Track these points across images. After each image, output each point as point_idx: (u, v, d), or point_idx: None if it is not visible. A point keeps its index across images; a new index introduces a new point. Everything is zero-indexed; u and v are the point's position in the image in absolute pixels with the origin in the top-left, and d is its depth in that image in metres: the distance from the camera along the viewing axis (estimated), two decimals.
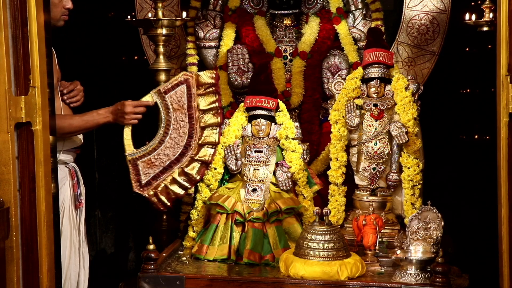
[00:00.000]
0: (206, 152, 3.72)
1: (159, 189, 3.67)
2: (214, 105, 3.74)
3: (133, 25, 4.26)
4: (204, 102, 3.71)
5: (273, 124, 3.83)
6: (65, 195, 3.58)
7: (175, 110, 3.67)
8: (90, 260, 3.82)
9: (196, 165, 3.71)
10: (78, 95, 3.72)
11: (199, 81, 3.71)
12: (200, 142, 3.72)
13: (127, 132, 3.68)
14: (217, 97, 3.74)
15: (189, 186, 3.73)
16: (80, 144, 3.73)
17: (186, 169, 3.70)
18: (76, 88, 3.71)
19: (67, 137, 3.55)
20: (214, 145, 3.74)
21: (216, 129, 3.73)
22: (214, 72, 3.81)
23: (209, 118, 3.72)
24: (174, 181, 3.69)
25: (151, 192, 3.67)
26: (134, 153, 3.66)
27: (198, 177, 3.73)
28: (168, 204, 3.70)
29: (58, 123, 3.46)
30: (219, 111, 3.75)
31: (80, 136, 3.72)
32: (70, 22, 3.57)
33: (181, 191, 3.71)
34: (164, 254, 3.58)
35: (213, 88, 3.73)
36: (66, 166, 3.61)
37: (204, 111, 3.71)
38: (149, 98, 3.70)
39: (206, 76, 3.74)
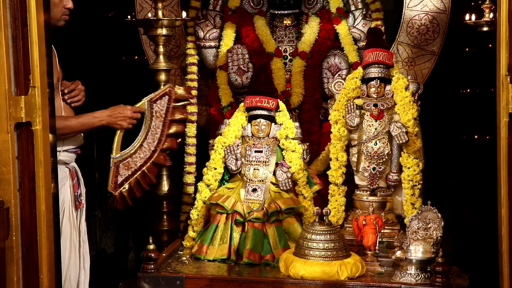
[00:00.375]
0: (162, 156, 3.91)
1: (125, 189, 3.80)
2: (182, 115, 3.97)
3: (133, 25, 4.26)
4: (177, 114, 3.93)
5: (273, 124, 3.83)
6: (65, 195, 3.57)
7: (157, 118, 3.85)
8: (90, 260, 3.82)
9: (153, 167, 3.87)
10: (79, 94, 3.73)
11: (178, 95, 3.94)
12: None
13: (119, 136, 3.79)
14: (185, 115, 4.03)
15: (146, 188, 3.90)
16: (81, 144, 3.74)
17: (147, 172, 3.86)
18: (77, 87, 3.72)
19: (61, 139, 3.56)
20: (169, 149, 3.94)
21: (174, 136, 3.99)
22: (190, 87, 4.11)
23: (174, 127, 3.95)
24: (136, 182, 3.83)
25: (118, 192, 3.79)
26: (119, 156, 3.77)
27: (153, 179, 3.91)
28: (128, 203, 3.84)
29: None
30: (181, 122, 4.04)
31: (81, 136, 3.73)
32: (70, 22, 3.57)
33: (138, 192, 3.86)
34: (164, 254, 3.58)
35: (188, 101, 4.04)
36: (66, 167, 3.61)
37: (173, 122, 3.92)
38: (144, 105, 3.81)
39: (181, 91, 3.97)
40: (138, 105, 3.82)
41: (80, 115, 3.63)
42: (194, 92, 4.36)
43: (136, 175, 3.82)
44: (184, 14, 4.36)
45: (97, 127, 3.68)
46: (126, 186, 3.80)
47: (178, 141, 4.12)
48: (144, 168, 3.83)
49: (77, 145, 3.70)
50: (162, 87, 4.02)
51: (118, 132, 3.77)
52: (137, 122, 3.83)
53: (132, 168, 3.81)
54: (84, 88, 3.77)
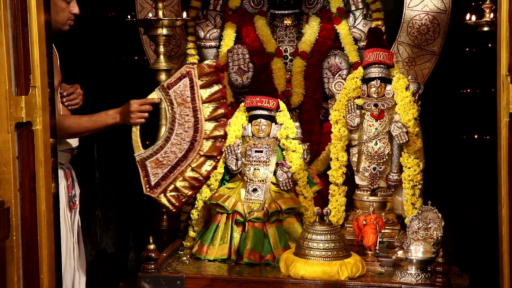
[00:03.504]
0: (212, 146, 3.64)
1: (169, 190, 3.63)
2: (217, 95, 3.67)
3: (134, 25, 4.25)
4: (207, 93, 3.63)
5: (273, 124, 3.83)
6: (59, 196, 3.57)
7: (179, 104, 3.59)
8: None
9: (203, 161, 3.64)
10: (77, 98, 3.72)
11: (201, 72, 3.65)
12: (205, 136, 3.65)
13: (135, 133, 3.63)
14: (220, 87, 3.65)
15: (197, 185, 3.67)
16: (76, 146, 3.73)
17: (193, 167, 3.62)
18: (76, 91, 3.72)
19: (75, 137, 3.55)
20: (222, 138, 3.64)
21: (221, 121, 3.64)
22: (215, 60, 3.75)
23: (213, 110, 3.64)
24: (183, 180, 3.63)
25: (161, 194, 3.63)
26: (142, 153, 3.61)
27: (205, 174, 3.67)
28: (178, 205, 3.67)
29: (66, 123, 3.47)
30: (222, 101, 3.66)
31: (76, 138, 3.72)
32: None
33: (189, 191, 3.67)
34: (165, 254, 3.58)
35: (215, 77, 3.64)
36: (61, 167, 3.61)
37: (208, 102, 3.63)
38: (154, 95, 3.68)
39: (207, 65, 3.69)
40: (149, 96, 3.65)
41: (93, 114, 3.60)
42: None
43: (178, 172, 3.56)
44: (184, 14, 4.36)
45: (111, 125, 3.60)
46: (171, 187, 3.56)
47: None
48: (187, 163, 3.56)
49: (72, 146, 3.69)
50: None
51: (133, 129, 3.63)
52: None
53: (166, 165, 3.54)
54: (83, 92, 3.76)
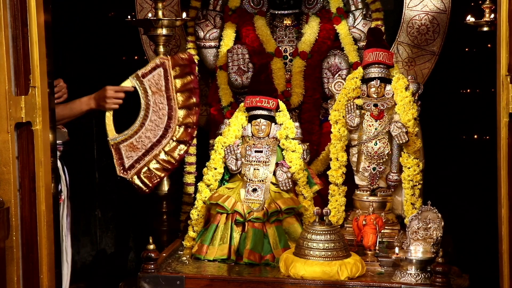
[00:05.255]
0: (184, 132, 3.78)
1: (142, 171, 3.73)
2: (190, 85, 3.81)
3: (133, 25, 4.25)
4: (180, 83, 3.77)
5: (273, 124, 3.83)
6: None
7: (154, 93, 3.73)
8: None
9: (175, 146, 3.77)
10: (61, 91, 3.76)
11: (175, 63, 3.78)
12: (178, 123, 3.78)
13: (109, 117, 3.74)
14: (192, 77, 3.81)
15: (170, 168, 3.79)
16: (64, 141, 3.76)
17: (166, 151, 3.76)
18: (58, 85, 3.75)
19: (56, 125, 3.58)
20: (192, 125, 3.80)
21: (193, 109, 3.79)
22: (187, 53, 3.89)
23: (186, 99, 3.79)
24: (156, 163, 3.75)
25: (135, 176, 3.72)
26: (116, 138, 3.72)
27: (178, 158, 3.79)
28: (151, 186, 3.76)
29: None
30: (195, 90, 3.82)
31: (62, 133, 3.75)
32: (70, 22, 3.58)
33: (162, 173, 3.77)
34: (164, 254, 3.58)
35: (188, 69, 3.81)
36: None
37: (181, 92, 3.77)
38: (128, 83, 3.77)
39: (179, 58, 3.81)
40: (123, 84, 3.77)
41: (68, 102, 3.70)
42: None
43: (152, 155, 3.72)
44: (184, 14, 4.36)
45: (86, 111, 3.71)
46: (144, 169, 3.71)
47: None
48: (160, 148, 3.72)
49: (60, 142, 3.72)
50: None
51: (106, 114, 3.74)
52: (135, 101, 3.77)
53: (140, 149, 3.70)
54: (66, 85, 3.81)
